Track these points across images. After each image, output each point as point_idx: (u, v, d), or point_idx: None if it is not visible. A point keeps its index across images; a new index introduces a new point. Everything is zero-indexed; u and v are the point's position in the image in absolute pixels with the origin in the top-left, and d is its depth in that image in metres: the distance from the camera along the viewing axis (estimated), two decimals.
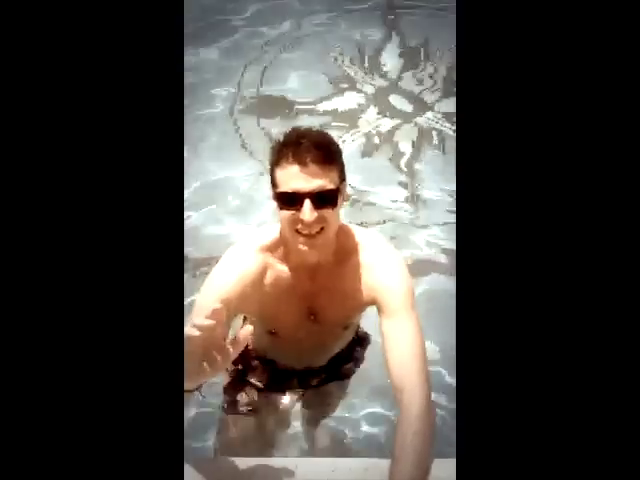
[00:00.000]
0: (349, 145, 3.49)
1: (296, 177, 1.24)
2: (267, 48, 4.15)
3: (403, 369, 1.27)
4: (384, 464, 1.16)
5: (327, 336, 1.61)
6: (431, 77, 3.93)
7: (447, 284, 2.68)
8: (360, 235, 1.44)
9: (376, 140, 3.54)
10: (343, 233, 1.41)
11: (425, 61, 4.04)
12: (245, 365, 1.81)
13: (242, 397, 1.83)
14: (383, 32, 4.30)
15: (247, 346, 1.73)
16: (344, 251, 1.41)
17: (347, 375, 1.89)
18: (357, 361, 1.88)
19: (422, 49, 4.09)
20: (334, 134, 1.38)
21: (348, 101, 3.80)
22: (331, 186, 1.26)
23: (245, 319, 1.72)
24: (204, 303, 1.29)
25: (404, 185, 3.28)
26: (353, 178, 3.20)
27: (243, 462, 1.31)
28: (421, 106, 3.77)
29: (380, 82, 3.93)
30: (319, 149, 1.25)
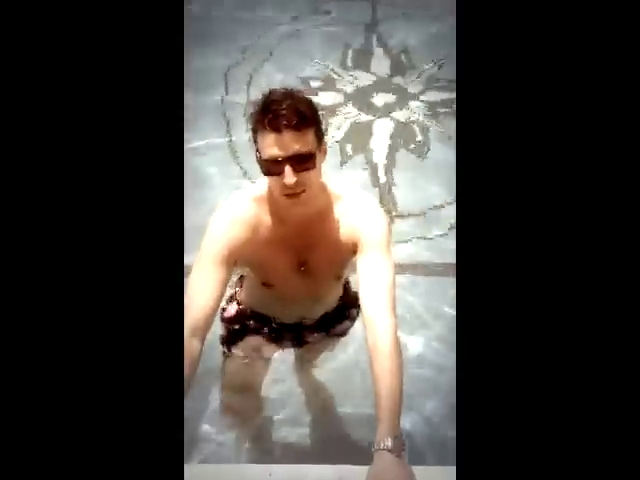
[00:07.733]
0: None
1: (273, 144, 1.32)
2: (247, 55, 4.16)
3: (377, 301, 1.38)
4: (358, 470, 1.22)
5: (318, 287, 1.69)
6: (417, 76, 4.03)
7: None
8: (336, 188, 1.53)
9: (349, 149, 3.60)
10: (322, 189, 1.49)
11: (409, 67, 4.10)
12: (242, 325, 1.92)
13: (238, 350, 1.96)
14: (367, 39, 4.33)
15: (241, 308, 1.89)
16: (326, 205, 1.49)
17: (343, 333, 2.00)
18: (354, 319, 1.96)
19: (404, 55, 4.15)
20: None
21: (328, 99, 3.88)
22: (307, 149, 1.33)
23: (240, 278, 1.85)
24: (209, 248, 1.41)
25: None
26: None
27: (236, 469, 1.41)
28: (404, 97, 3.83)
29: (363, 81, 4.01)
30: (293, 114, 1.30)
